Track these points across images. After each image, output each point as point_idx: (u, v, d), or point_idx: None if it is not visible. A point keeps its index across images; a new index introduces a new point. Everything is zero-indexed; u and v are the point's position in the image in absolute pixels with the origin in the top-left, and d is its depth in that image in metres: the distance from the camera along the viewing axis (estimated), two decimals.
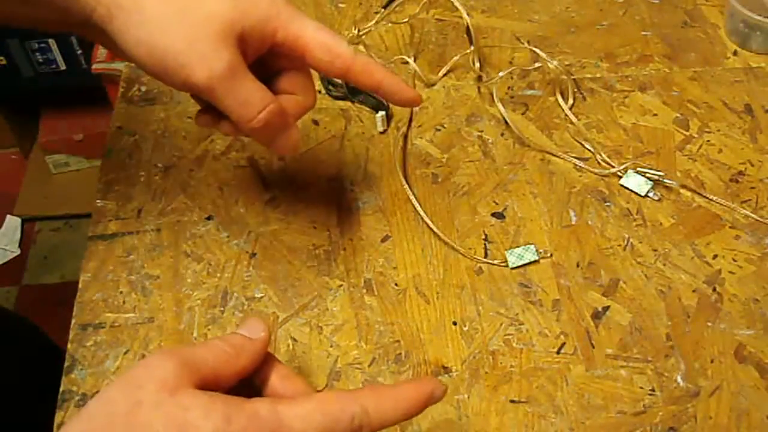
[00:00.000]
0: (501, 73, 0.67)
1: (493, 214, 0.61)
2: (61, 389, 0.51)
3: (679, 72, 0.71)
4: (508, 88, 0.70)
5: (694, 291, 0.56)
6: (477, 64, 0.70)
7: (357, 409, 0.35)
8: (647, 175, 0.62)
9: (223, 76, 0.42)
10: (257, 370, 0.38)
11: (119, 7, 0.42)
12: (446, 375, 0.52)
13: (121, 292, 0.57)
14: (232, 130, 0.47)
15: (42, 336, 0.86)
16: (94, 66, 1.38)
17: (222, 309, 0.56)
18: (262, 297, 0.56)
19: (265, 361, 0.39)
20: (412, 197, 0.61)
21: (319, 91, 0.69)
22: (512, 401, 0.51)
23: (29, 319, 0.86)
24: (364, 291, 0.56)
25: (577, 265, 0.58)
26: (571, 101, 0.68)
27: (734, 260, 0.58)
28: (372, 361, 0.53)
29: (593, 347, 0.54)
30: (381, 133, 0.66)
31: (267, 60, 0.47)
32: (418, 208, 0.60)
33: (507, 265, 0.57)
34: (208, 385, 0.34)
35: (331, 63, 0.47)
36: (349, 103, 0.68)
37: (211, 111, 0.47)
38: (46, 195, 1.72)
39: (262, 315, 0.55)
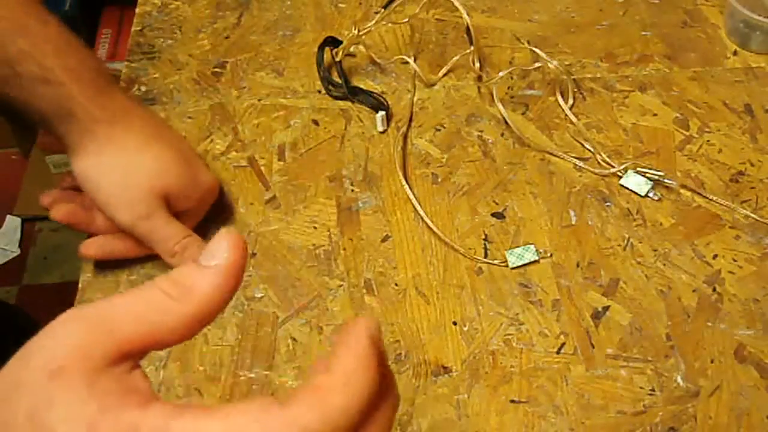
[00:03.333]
0: (501, 73, 0.67)
1: (493, 214, 0.61)
2: None
3: (679, 72, 0.71)
4: (508, 88, 0.70)
5: (694, 291, 0.56)
6: (477, 64, 0.70)
7: (289, 431, 0.23)
8: (647, 175, 0.62)
9: (142, 218, 0.53)
10: None
11: (83, 147, 0.52)
12: (446, 375, 0.52)
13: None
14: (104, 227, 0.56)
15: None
16: (104, 62, 1.38)
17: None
18: (262, 297, 0.56)
19: None
20: (412, 197, 0.61)
21: (319, 91, 0.69)
22: (512, 401, 0.51)
23: (31, 316, 0.86)
24: (364, 291, 0.56)
25: (577, 265, 0.58)
26: (571, 101, 0.68)
27: (734, 260, 0.58)
28: None
29: (593, 347, 0.54)
30: (381, 133, 0.66)
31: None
32: (418, 208, 0.60)
33: (507, 265, 0.57)
34: (139, 347, 0.25)
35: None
36: (349, 103, 0.68)
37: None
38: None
39: (261, 315, 0.55)
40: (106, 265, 0.58)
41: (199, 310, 0.25)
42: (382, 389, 0.26)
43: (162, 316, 0.25)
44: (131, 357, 0.25)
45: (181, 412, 0.23)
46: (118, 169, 0.53)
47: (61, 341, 0.24)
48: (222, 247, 0.25)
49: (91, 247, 0.57)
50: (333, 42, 0.70)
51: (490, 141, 0.65)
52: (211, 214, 0.60)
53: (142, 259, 0.58)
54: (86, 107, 0.52)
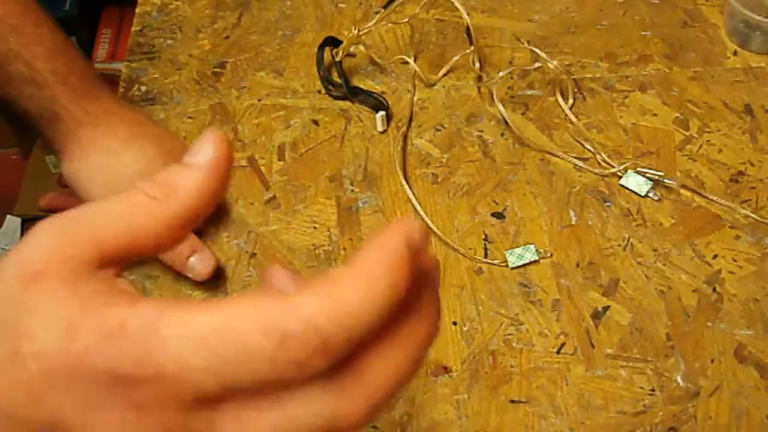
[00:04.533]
0: (501, 73, 0.67)
1: (493, 214, 0.61)
2: None
3: (679, 72, 0.71)
4: (508, 88, 0.70)
5: (694, 291, 0.56)
6: (477, 64, 0.70)
7: (291, 323, 0.19)
8: (647, 175, 0.62)
9: None
10: None
11: (68, 150, 0.52)
12: (446, 375, 0.52)
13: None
14: None
15: None
16: (94, 66, 1.38)
17: None
18: None
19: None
20: (412, 197, 0.61)
21: (319, 91, 0.69)
22: (512, 401, 0.51)
23: None
24: None
25: (577, 265, 0.58)
26: (571, 101, 0.68)
27: (734, 260, 0.58)
28: None
29: (593, 347, 0.54)
30: (381, 133, 0.66)
31: None
32: (418, 208, 0.60)
33: (507, 265, 0.57)
34: (121, 252, 0.23)
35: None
36: (349, 103, 0.68)
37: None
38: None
39: None
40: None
41: (183, 209, 0.23)
42: (412, 307, 0.22)
43: (145, 217, 0.23)
44: (114, 263, 0.23)
45: (171, 306, 0.21)
46: (103, 171, 0.53)
47: (36, 247, 0.22)
48: (206, 145, 0.24)
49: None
50: (333, 42, 0.69)
51: (490, 141, 0.65)
52: (210, 214, 0.60)
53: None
54: (70, 110, 0.52)
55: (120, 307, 0.21)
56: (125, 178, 0.53)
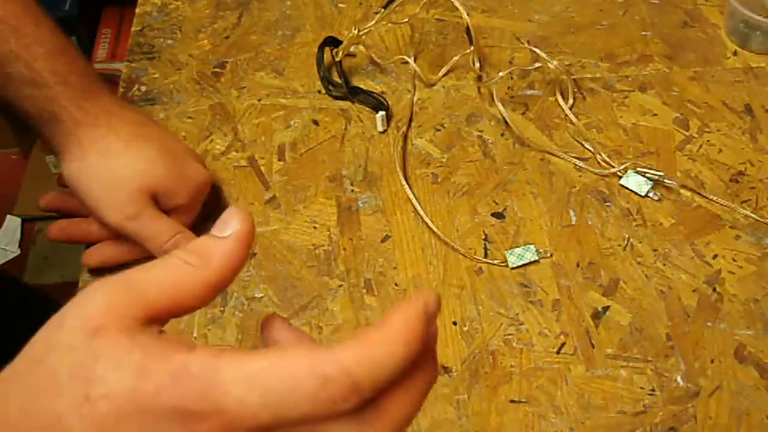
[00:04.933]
0: (501, 73, 0.67)
1: (493, 214, 0.61)
2: None
3: (679, 72, 0.71)
4: (508, 88, 0.70)
5: (694, 291, 0.56)
6: (477, 64, 0.70)
7: (330, 369, 0.24)
8: (647, 175, 0.62)
9: (130, 218, 0.53)
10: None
11: (68, 150, 0.53)
12: (446, 375, 0.52)
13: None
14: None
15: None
16: (94, 66, 1.38)
17: (222, 309, 0.56)
18: (262, 297, 0.56)
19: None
20: (412, 197, 0.61)
21: (319, 91, 0.69)
22: (512, 401, 0.51)
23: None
24: (364, 291, 0.56)
25: (577, 265, 0.58)
26: (571, 101, 0.68)
27: (734, 260, 0.58)
28: None
29: (593, 347, 0.54)
30: (381, 133, 0.66)
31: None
32: (418, 208, 0.60)
33: (507, 265, 0.57)
34: (163, 312, 0.27)
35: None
36: (349, 103, 0.68)
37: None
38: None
39: (261, 315, 0.55)
40: (105, 267, 0.58)
41: (217, 275, 0.27)
42: (422, 360, 0.27)
43: (185, 281, 0.27)
44: (158, 321, 0.27)
45: (226, 351, 0.25)
46: (103, 171, 0.53)
47: (95, 305, 0.26)
48: (233, 219, 0.28)
49: (94, 256, 0.57)
50: (333, 42, 0.70)
51: (490, 141, 0.65)
52: (211, 214, 0.60)
53: (142, 259, 0.58)
54: (69, 111, 0.52)
55: (181, 353, 0.25)
56: (125, 180, 0.53)
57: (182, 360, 0.25)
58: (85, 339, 0.25)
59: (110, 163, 0.53)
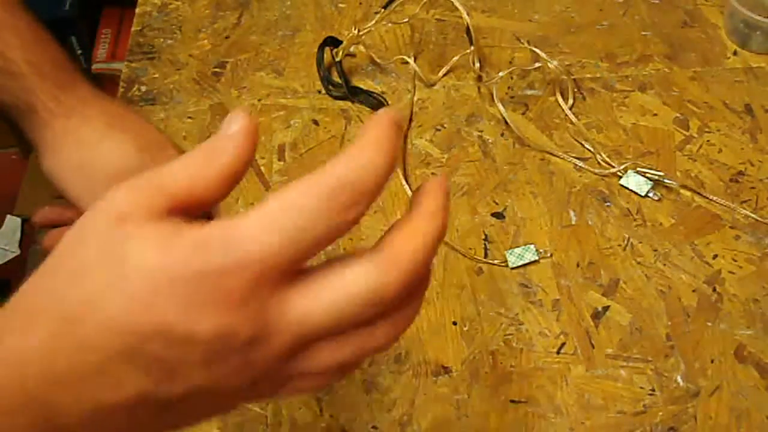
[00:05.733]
0: (501, 73, 0.67)
1: (493, 214, 0.61)
2: None
3: (679, 72, 0.71)
4: (508, 88, 0.70)
5: (694, 291, 0.56)
6: (477, 64, 0.70)
7: (329, 184, 0.27)
8: (647, 175, 0.62)
9: None
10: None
11: (44, 142, 0.51)
12: (446, 375, 0.52)
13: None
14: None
15: None
16: (94, 66, 1.38)
17: None
18: None
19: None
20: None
21: (319, 91, 0.69)
22: (512, 401, 0.51)
23: None
24: None
25: (577, 265, 0.58)
26: (571, 101, 0.68)
27: (734, 260, 0.58)
28: (372, 361, 0.53)
29: (593, 347, 0.54)
30: None
31: None
32: None
33: (507, 265, 0.57)
34: (184, 204, 0.28)
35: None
36: (349, 103, 0.68)
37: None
38: (46, 195, 1.72)
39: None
40: None
41: (229, 166, 0.29)
42: (420, 207, 0.30)
43: (200, 174, 0.28)
44: (180, 212, 0.28)
45: (239, 214, 0.27)
46: (79, 163, 0.52)
47: (119, 198, 0.27)
48: (236, 117, 0.29)
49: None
50: (333, 42, 0.70)
51: (490, 141, 0.65)
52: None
53: None
54: (44, 101, 0.51)
55: (200, 227, 0.26)
56: (103, 172, 0.52)
57: (201, 230, 0.26)
58: (112, 227, 0.26)
59: (86, 155, 0.52)
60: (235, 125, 0.29)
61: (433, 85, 0.70)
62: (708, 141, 0.65)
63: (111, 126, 0.54)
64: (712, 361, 0.53)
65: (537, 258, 0.58)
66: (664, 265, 0.58)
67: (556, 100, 0.68)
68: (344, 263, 0.29)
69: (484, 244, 0.59)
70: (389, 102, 0.67)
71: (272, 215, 0.26)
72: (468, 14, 0.68)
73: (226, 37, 0.74)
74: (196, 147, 0.29)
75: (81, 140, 0.52)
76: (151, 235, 0.26)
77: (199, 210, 0.29)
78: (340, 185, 0.27)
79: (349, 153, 0.27)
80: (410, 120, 0.67)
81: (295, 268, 0.28)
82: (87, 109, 0.53)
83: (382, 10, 0.74)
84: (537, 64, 0.69)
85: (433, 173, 0.63)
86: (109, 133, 0.53)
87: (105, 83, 1.38)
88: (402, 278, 0.28)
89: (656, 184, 0.62)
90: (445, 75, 0.70)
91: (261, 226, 0.26)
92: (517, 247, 0.58)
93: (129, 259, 0.26)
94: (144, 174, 0.28)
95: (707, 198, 0.61)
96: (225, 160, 0.29)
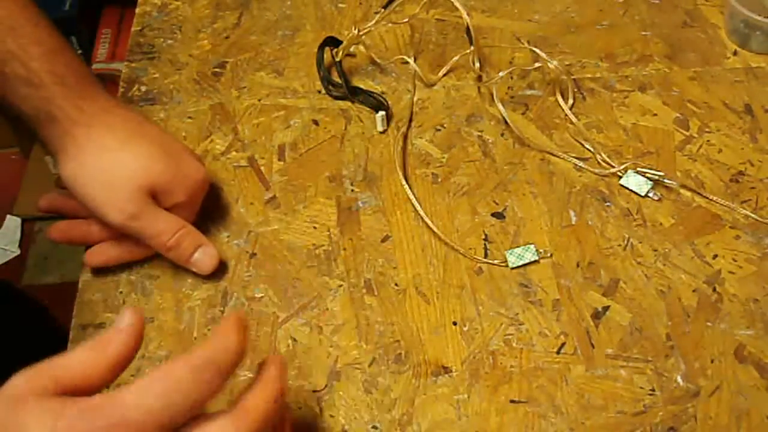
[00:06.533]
0: (501, 73, 0.67)
1: (493, 214, 0.61)
2: None
3: (679, 72, 0.71)
4: (508, 88, 0.70)
5: (694, 291, 0.56)
6: (477, 64, 0.70)
7: (198, 361, 0.34)
8: (647, 175, 0.62)
9: (132, 217, 0.53)
10: None
11: (64, 150, 0.53)
12: (446, 375, 0.52)
13: (121, 292, 0.57)
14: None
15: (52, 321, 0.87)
16: (94, 66, 1.38)
17: (222, 309, 0.56)
18: (262, 297, 0.56)
19: None
20: (412, 197, 0.61)
21: (319, 91, 0.69)
22: (512, 401, 0.51)
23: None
24: (364, 291, 0.56)
25: (577, 265, 0.58)
26: (571, 101, 0.68)
27: (734, 260, 0.58)
28: (372, 361, 0.53)
29: (593, 347, 0.54)
30: (381, 133, 0.66)
31: None
32: (418, 208, 0.60)
33: (507, 265, 0.57)
34: (75, 389, 0.34)
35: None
36: (349, 103, 0.68)
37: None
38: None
39: (261, 315, 0.55)
40: (108, 266, 0.58)
41: (113, 359, 0.36)
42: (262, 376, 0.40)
43: (88, 364, 0.35)
44: (71, 393, 0.34)
45: (121, 387, 0.34)
46: (100, 170, 0.53)
47: (16, 385, 0.34)
48: (125, 315, 0.37)
49: (96, 256, 0.57)
50: (333, 42, 0.70)
51: (490, 141, 0.65)
52: (211, 214, 0.60)
53: (142, 258, 0.58)
54: (66, 110, 0.52)
55: (88, 398, 0.33)
56: (124, 178, 0.53)
57: (88, 400, 0.33)
58: (10, 410, 0.33)
59: (107, 162, 0.53)
60: (126, 321, 0.37)
61: (433, 85, 0.70)
62: (708, 141, 0.65)
63: (132, 134, 0.55)
64: (712, 361, 0.53)
65: (537, 258, 0.58)
66: (664, 265, 0.58)
67: (556, 100, 0.68)
68: (209, 417, 0.35)
69: (484, 244, 0.59)
70: (389, 102, 0.67)
71: (150, 383, 0.33)
72: (468, 14, 0.68)
73: (226, 37, 0.74)
74: (94, 338, 0.36)
75: (104, 148, 0.53)
76: (46, 407, 0.32)
77: (90, 392, 0.35)
78: (207, 363, 0.35)
79: (207, 344, 0.35)
80: (410, 120, 0.67)
81: (173, 427, 0.34)
82: (108, 117, 0.54)
83: (382, 10, 0.74)
84: (537, 64, 0.69)
85: (433, 173, 0.63)
86: (130, 140, 0.54)
87: (105, 83, 1.38)
88: (252, 427, 0.36)
89: (656, 184, 0.62)
90: (445, 75, 0.71)
91: (140, 391, 0.33)
92: (517, 247, 0.58)
93: (29, 428, 0.32)
94: (42, 363, 0.35)
95: (707, 198, 0.61)
96: (111, 353, 0.36)
